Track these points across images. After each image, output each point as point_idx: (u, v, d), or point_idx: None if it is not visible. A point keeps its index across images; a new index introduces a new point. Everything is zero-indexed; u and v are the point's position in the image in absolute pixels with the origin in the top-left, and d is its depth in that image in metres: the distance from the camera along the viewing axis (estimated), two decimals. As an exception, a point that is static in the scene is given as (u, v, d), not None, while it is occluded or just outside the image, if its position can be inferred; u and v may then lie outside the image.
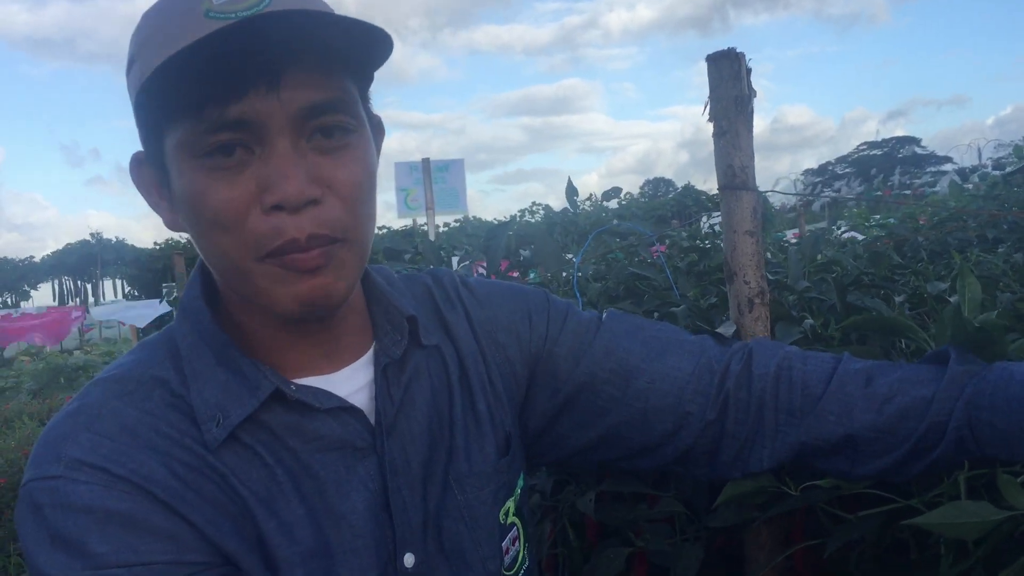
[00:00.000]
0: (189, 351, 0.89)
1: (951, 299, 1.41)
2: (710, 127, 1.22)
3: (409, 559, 0.89)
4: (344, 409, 0.90)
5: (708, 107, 1.22)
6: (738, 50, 1.20)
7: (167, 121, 0.80)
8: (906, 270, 1.81)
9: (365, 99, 0.89)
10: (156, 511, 0.79)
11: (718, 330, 1.15)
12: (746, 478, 1.04)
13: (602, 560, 1.22)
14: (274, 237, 0.79)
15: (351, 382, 0.93)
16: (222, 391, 0.86)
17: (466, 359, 1.02)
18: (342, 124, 0.82)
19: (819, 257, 1.93)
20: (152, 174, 0.87)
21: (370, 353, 0.96)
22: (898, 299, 1.41)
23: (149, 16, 0.82)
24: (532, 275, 2.46)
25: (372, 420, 0.92)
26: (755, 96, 1.22)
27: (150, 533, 0.78)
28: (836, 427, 0.98)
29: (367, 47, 0.81)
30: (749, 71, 1.21)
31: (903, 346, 1.20)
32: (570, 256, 2.31)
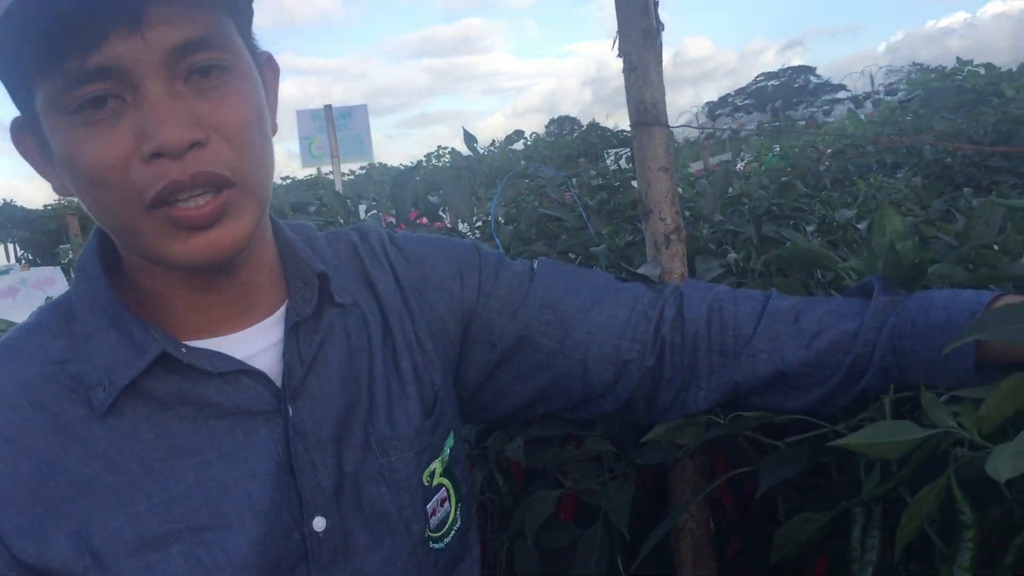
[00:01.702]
0: (83, 313, 0.85)
1: (859, 226, 1.44)
2: (613, 64, 1.20)
3: (319, 523, 0.86)
4: (243, 372, 0.85)
5: (617, 42, 1.20)
6: (645, -18, 1.18)
7: (32, 79, 0.74)
8: (813, 199, 1.84)
9: (246, 35, 0.83)
10: None
11: (640, 271, 1.14)
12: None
13: (532, 504, 1.22)
14: (156, 182, 0.73)
15: (258, 341, 0.89)
16: (111, 354, 0.82)
17: (391, 317, 0.98)
18: (219, 62, 0.76)
19: (729, 190, 1.95)
20: (33, 138, 0.81)
21: (280, 311, 0.91)
22: (809, 228, 1.43)
23: None
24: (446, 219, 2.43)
25: (279, 382, 0.88)
26: (663, 29, 1.20)
27: None
28: (768, 365, 0.99)
29: None
30: (656, 3, 1.19)
31: (820, 276, 1.21)
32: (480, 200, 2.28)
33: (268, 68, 0.88)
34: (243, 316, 0.89)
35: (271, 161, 0.83)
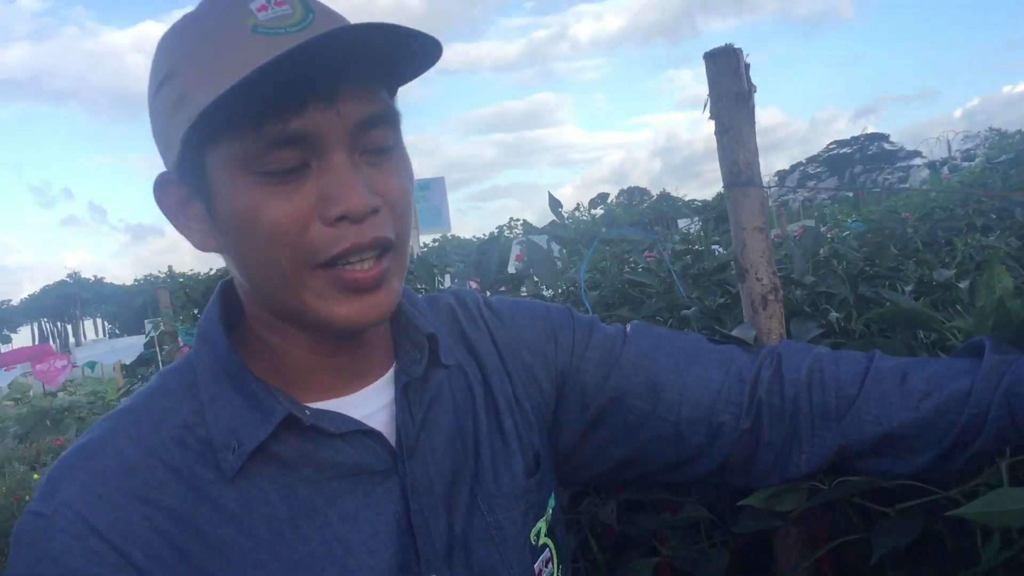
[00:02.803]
0: (206, 376, 0.87)
1: (960, 285, 1.40)
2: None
3: None
4: (362, 432, 0.87)
5: (708, 105, 1.20)
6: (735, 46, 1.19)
7: (215, 137, 0.78)
8: (907, 259, 1.80)
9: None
10: None
11: (734, 332, 1.13)
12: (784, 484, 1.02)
13: (628, 573, 1.20)
14: (337, 243, 0.79)
15: (370, 403, 0.91)
16: (237, 417, 0.84)
17: (491, 378, 1.00)
18: (388, 136, 0.82)
19: (820, 251, 1.92)
20: (180, 193, 0.85)
21: (390, 373, 0.93)
22: (907, 288, 1.40)
23: (188, 29, 0.80)
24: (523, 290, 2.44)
25: (392, 441, 0.89)
26: (755, 91, 1.20)
27: None
28: (874, 427, 0.96)
29: (418, 54, 0.81)
30: (748, 67, 1.20)
31: (923, 337, 1.18)
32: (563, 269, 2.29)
33: None
34: (358, 377, 0.91)
35: None
